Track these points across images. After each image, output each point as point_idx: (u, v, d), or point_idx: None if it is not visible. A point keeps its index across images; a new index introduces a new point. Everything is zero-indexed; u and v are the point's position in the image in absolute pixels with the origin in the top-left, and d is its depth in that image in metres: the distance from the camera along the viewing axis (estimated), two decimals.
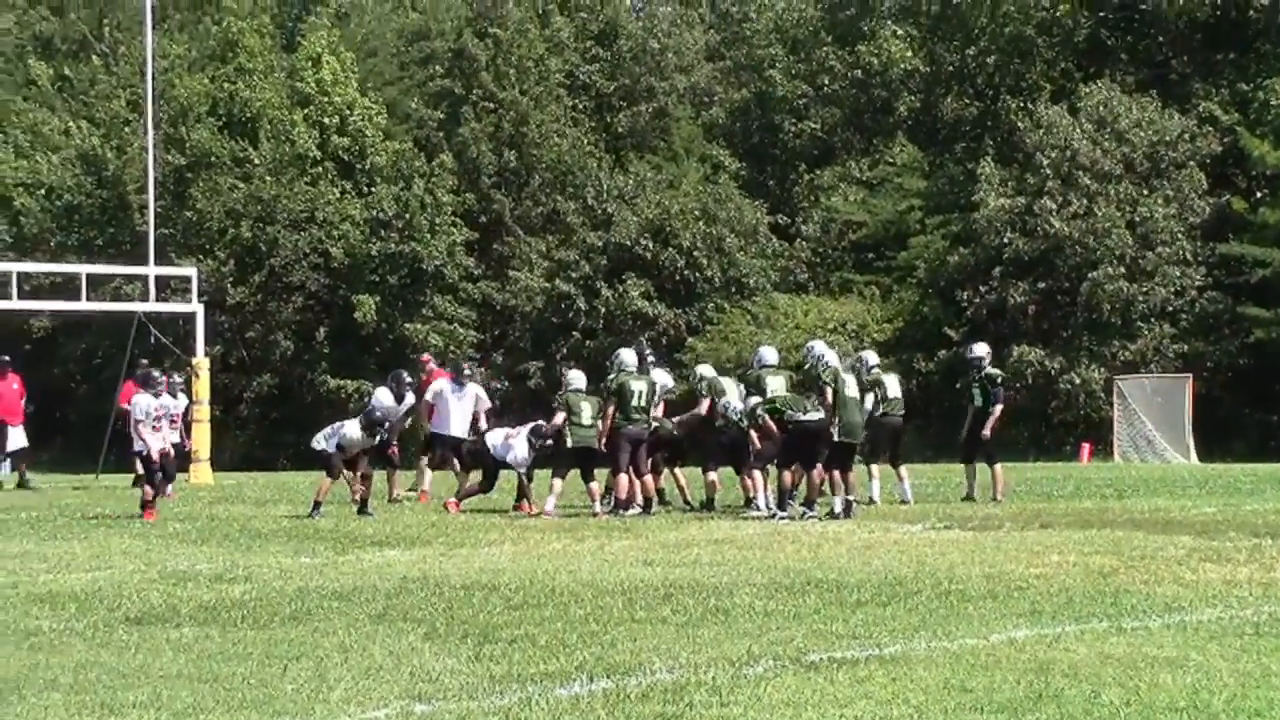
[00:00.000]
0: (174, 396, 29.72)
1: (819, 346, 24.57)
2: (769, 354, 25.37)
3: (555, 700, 9.23)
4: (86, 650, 11.22)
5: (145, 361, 35.38)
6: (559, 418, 24.14)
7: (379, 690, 9.62)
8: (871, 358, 26.47)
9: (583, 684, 9.69)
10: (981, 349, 27.48)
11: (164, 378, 29.38)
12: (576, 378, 25.00)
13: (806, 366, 24.35)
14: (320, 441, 24.35)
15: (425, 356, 33.10)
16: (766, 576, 14.98)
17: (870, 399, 24.59)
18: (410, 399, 28.00)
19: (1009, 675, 9.77)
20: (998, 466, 25.85)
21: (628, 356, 24.92)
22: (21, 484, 33.68)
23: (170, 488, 29.00)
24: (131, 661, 10.74)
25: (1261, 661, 10.29)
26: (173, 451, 25.76)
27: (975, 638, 11.21)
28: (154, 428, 24.59)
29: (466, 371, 28.33)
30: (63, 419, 56.70)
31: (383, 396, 27.05)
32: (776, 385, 24.19)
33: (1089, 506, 24.25)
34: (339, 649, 11.11)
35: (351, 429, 24.10)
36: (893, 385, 25.98)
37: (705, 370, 26.05)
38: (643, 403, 24.35)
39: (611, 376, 24.58)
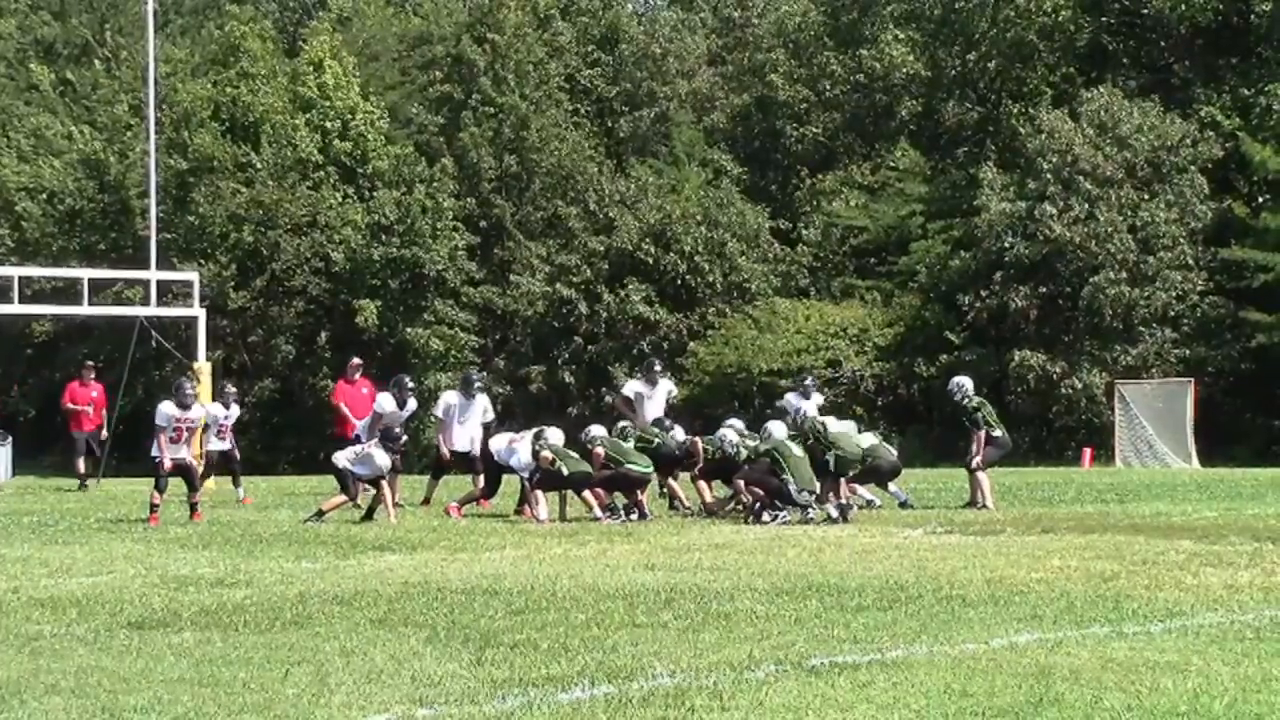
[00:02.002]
0: (226, 407, 29.84)
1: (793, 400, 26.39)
2: (778, 429, 25.19)
3: (556, 705, 9.24)
4: (87, 655, 11.24)
5: (196, 367, 35.56)
6: (545, 455, 24.14)
7: (380, 695, 9.64)
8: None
9: (584, 689, 9.70)
10: (955, 383, 27.18)
11: (230, 388, 29.87)
12: (554, 434, 24.90)
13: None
14: (343, 460, 24.28)
15: (355, 362, 32.78)
16: (768, 581, 15.00)
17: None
18: (413, 404, 28.01)
19: (1010, 680, 9.78)
20: (980, 474, 25.63)
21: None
22: None
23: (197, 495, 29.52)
24: (132, 666, 10.75)
25: (1262, 666, 10.31)
26: (193, 462, 25.57)
27: (976, 642, 11.23)
28: (172, 439, 24.54)
29: (478, 385, 28.10)
30: (64, 424, 56.70)
31: (385, 402, 27.08)
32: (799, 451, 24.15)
33: (1090, 511, 24.26)
34: (340, 653, 11.13)
35: (381, 458, 24.01)
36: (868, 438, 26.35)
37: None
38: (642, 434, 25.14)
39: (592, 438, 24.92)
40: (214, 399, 30.55)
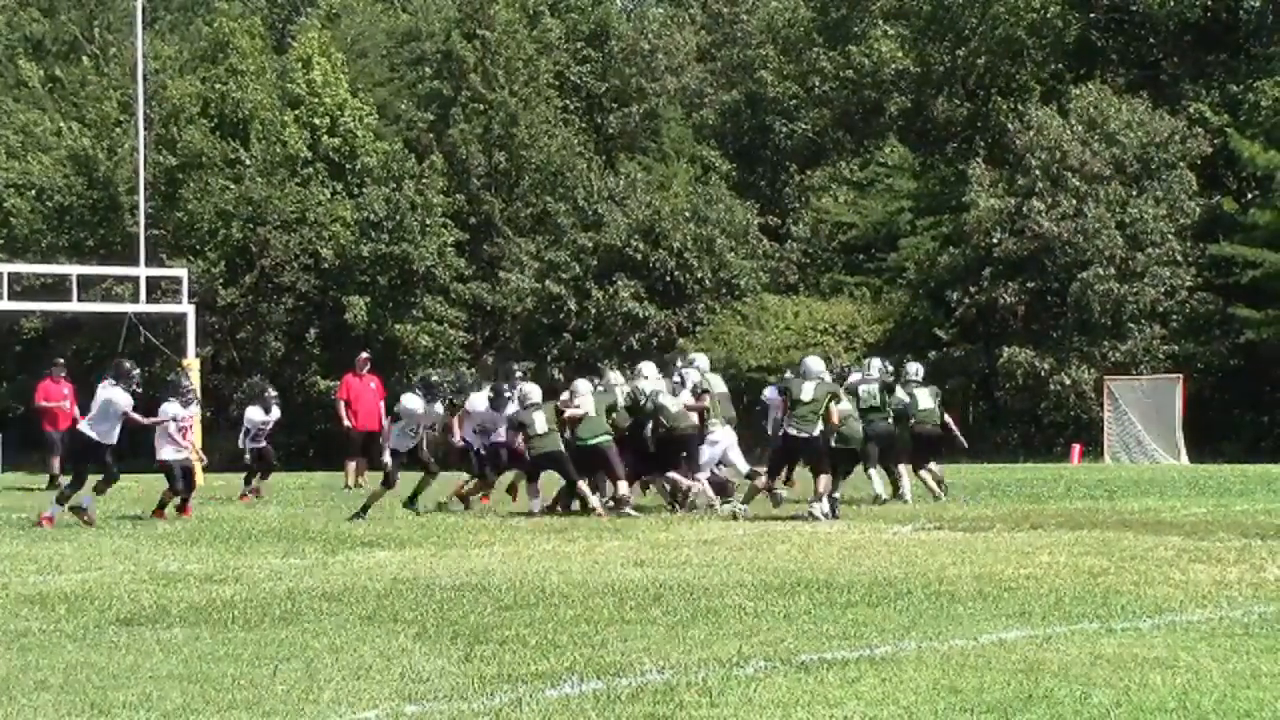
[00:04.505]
0: (267, 410, 29.73)
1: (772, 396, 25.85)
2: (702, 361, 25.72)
3: (546, 701, 9.24)
4: (76, 651, 11.22)
5: (184, 364, 35.45)
6: (518, 439, 24.22)
7: (369, 691, 9.63)
8: (912, 368, 27.09)
9: (573, 685, 9.69)
10: (908, 367, 28.16)
11: (270, 391, 29.71)
12: (532, 391, 24.86)
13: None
14: (394, 440, 24.31)
15: (364, 356, 32.91)
16: (757, 577, 14.99)
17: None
18: (439, 409, 27.66)
19: (999, 676, 9.78)
20: (903, 467, 26.32)
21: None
22: None
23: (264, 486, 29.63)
24: (121, 662, 10.74)
25: (1251, 662, 10.31)
26: (190, 460, 25.43)
27: (965, 638, 11.23)
28: (172, 437, 24.39)
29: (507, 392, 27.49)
30: (37, 422, 56.65)
31: (410, 402, 26.72)
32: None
33: (1079, 507, 24.28)
34: (329, 650, 11.11)
35: (414, 402, 24.14)
36: (924, 398, 26.56)
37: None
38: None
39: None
40: (254, 403, 30.43)
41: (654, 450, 24.98)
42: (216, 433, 47.37)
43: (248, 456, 30.42)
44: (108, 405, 23.04)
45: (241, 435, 30.38)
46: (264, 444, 29.96)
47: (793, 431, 23.21)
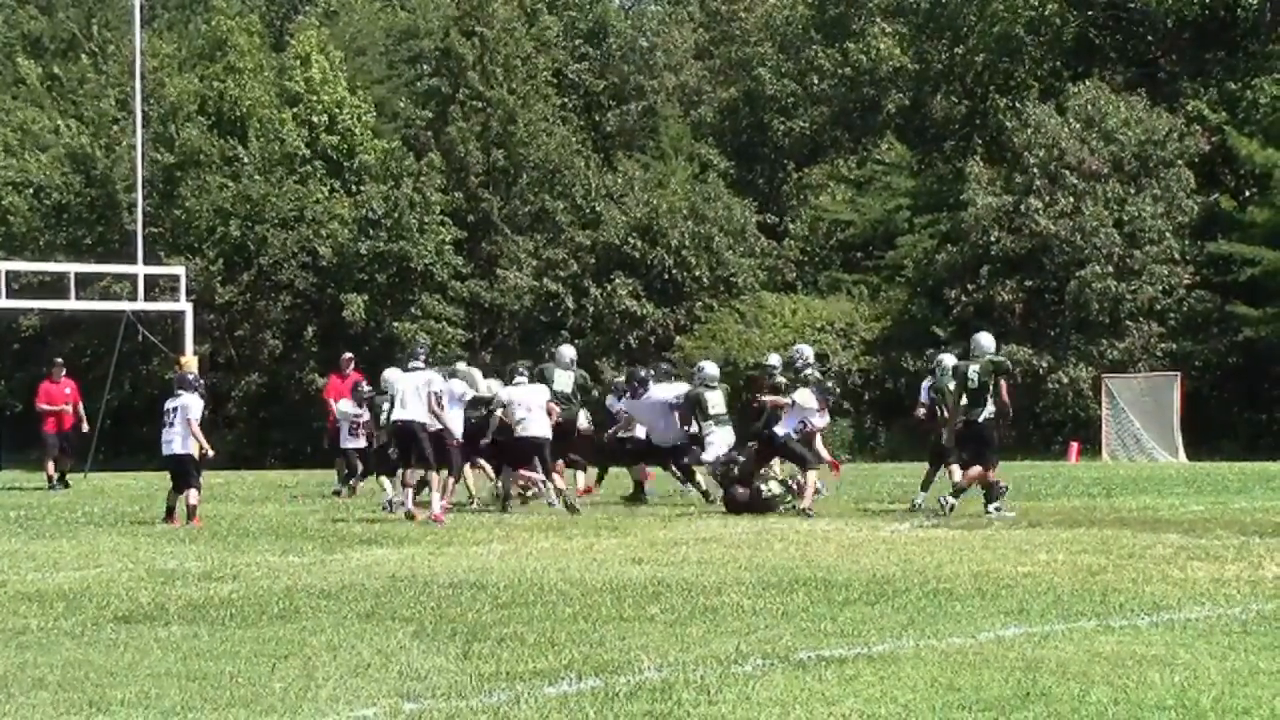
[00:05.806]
0: (359, 406, 28.99)
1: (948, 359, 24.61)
2: (710, 368, 25.58)
3: (544, 699, 9.23)
4: (74, 649, 11.21)
5: (182, 360, 35.33)
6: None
7: (367, 688, 9.62)
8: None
9: (571, 682, 9.69)
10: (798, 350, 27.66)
11: (365, 385, 29.14)
12: (391, 375, 24.72)
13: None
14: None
15: (347, 356, 32.87)
16: (755, 575, 14.99)
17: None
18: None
19: (997, 673, 9.77)
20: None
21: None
22: None
23: (359, 485, 29.02)
24: (120, 660, 10.73)
25: (1249, 659, 10.31)
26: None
27: (963, 636, 11.22)
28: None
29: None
30: (38, 423, 56.62)
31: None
32: (716, 400, 24.66)
33: (1077, 505, 24.28)
34: (327, 647, 11.11)
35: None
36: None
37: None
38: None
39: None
40: (349, 396, 30.03)
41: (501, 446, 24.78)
42: (213, 431, 47.34)
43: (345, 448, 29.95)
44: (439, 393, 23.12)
45: (341, 432, 29.97)
46: (360, 442, 29.09)
47: (961, 419, 22.52)
